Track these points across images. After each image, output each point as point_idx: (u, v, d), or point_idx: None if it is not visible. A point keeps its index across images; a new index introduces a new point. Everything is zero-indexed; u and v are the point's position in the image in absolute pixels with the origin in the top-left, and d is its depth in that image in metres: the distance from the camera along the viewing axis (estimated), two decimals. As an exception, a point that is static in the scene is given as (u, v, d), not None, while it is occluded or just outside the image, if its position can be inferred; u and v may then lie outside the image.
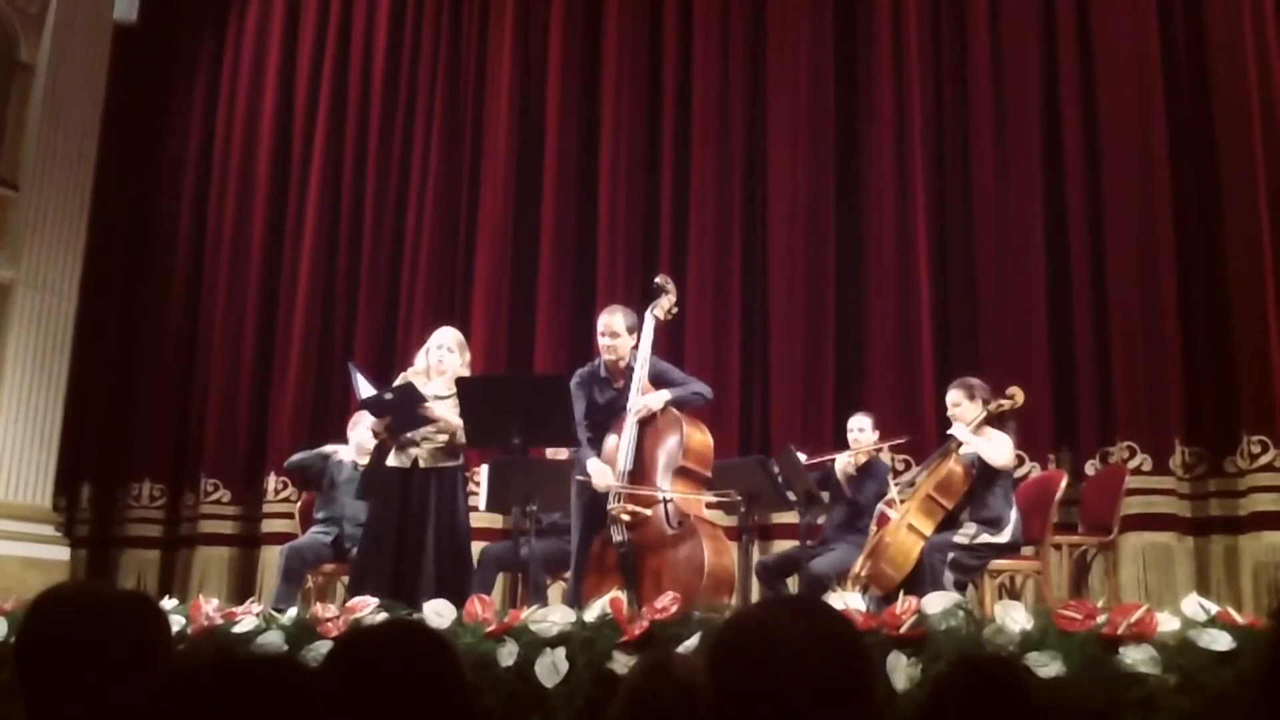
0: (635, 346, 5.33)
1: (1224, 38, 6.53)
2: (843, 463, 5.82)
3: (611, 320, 5.34)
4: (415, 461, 5.24)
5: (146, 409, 8.41)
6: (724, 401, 6.86)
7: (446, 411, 5.21)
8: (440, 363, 5.35)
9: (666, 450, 5.14)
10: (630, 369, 5.31)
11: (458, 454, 5.30)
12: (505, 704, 3.79)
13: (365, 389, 5.29)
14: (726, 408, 6.96)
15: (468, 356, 5.49)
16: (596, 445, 5.32)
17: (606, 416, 5.35)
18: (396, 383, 5.49)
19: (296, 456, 6.49)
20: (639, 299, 5.59)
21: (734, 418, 7.08)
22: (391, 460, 5.30)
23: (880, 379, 6.92)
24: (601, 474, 5.17)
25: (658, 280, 5.55)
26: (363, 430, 6.09)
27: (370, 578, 5.07)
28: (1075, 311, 6.64)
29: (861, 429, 5.94)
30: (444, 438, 5.24)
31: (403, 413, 5.24)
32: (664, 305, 5.42)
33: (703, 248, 7.40)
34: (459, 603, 4.25)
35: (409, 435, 5.23)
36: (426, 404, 5.19)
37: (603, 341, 5.35)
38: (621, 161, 7.73)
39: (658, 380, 5.35)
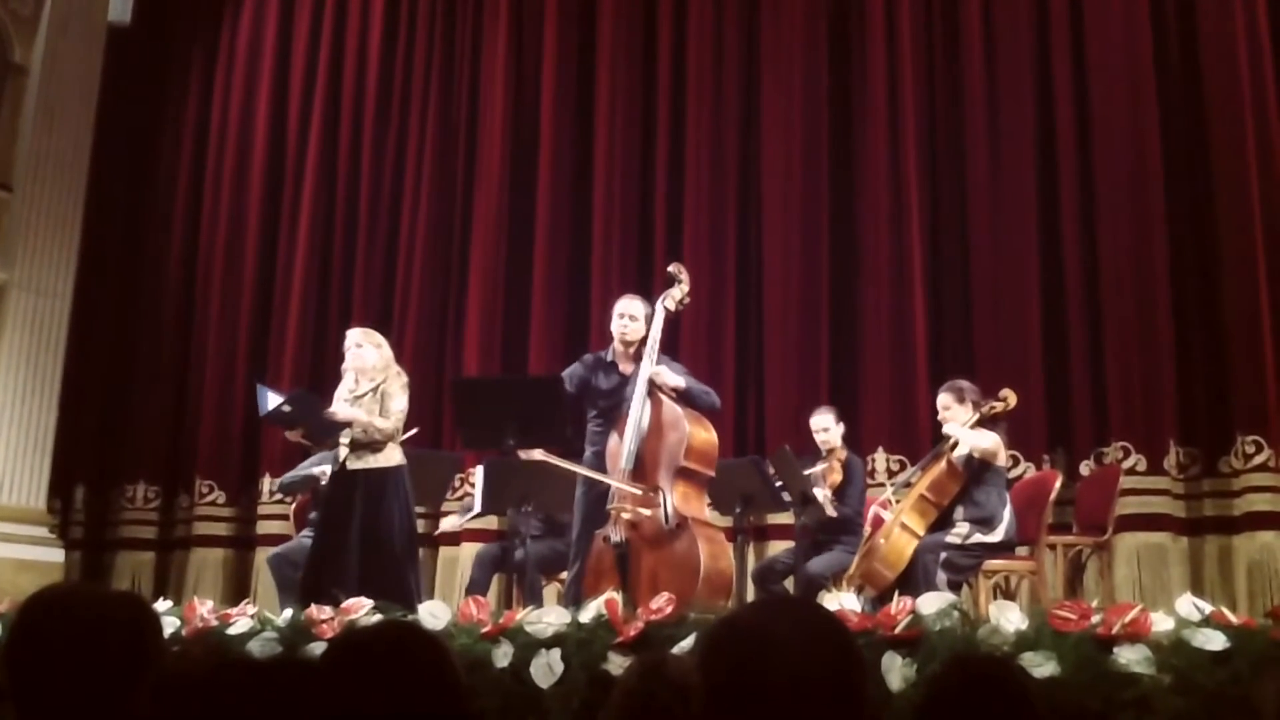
0: (646, 338, 5.29)
1: (1216, 39, 6.54)
2: (818, 478, 5.60)
3: (631, 305, 5.37)
4: (344, 464, 5.18)
5: (141, 410, 8.38)
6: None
7: (359, 409, 5.14)
8: (356, 360, 5.27)
9: (668, 449, 5.08)
10: (639, 357, 5.26)
11: (380, 449, 5.15)
12: (500, 705, 3.79)
13: (269, 402, 5.21)
14: (721, 409, 6.93)
15: (386, 348, 5.35)
16: (601, 438, 5.28)
17: (609, 405, 5.31)
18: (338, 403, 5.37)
19: (287, 478, 6.39)
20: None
21: (729, 419, 7.03)
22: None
23: (875, 380, 6.91)
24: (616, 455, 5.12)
25: (671, 269, 5.48)
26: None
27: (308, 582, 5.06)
28: (1069, 312, 6.63)
29: (826, 428, 5.73)
30: (365, 436, 5.13)
31: (310, 421, 5.19)
32: (675, 295, 5.34)
33: (697, 249, 7.38)
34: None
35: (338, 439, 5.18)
36: (329, 409, 5.15)
37: (620, 323, 5.33)
38: (616, 161, 7.72)
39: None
